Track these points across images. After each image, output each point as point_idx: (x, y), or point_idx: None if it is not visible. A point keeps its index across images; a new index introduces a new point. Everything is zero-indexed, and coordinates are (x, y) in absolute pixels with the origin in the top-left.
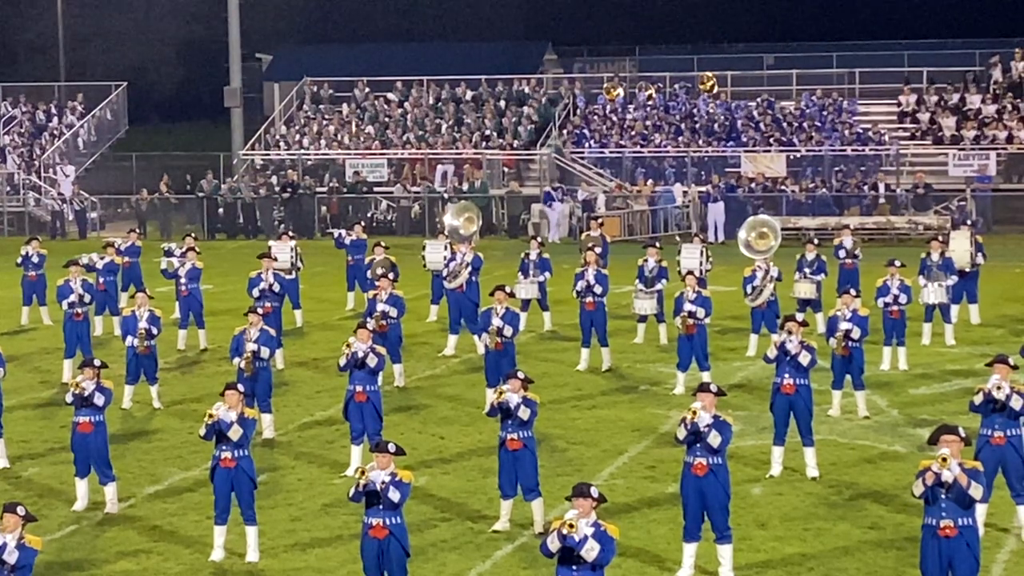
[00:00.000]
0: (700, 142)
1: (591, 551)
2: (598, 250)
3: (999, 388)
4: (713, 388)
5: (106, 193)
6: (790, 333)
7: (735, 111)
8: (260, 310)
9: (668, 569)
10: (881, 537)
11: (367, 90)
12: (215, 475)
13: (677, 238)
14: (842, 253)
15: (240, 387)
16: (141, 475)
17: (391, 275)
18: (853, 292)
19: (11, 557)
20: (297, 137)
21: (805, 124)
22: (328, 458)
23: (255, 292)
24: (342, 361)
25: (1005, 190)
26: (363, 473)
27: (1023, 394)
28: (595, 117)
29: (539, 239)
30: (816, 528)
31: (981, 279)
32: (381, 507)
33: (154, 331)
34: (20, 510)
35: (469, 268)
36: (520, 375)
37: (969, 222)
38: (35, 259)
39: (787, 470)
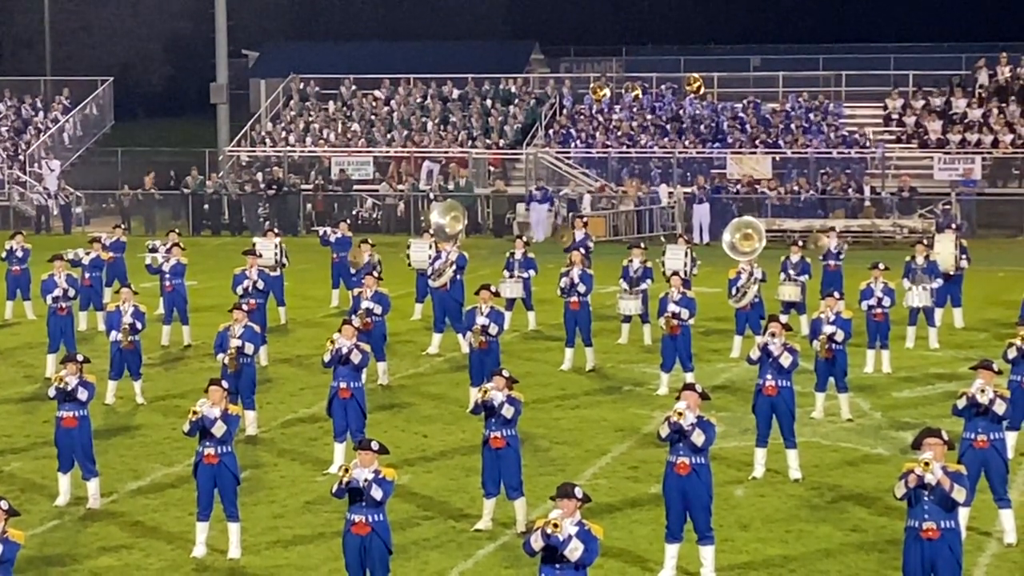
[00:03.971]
0: (686, 143)
1: (575, 551)
2: (583, 249)
3: (982, 392)
4: (698, 388)
5: (91, 188)
6: (773, 335)
7: (721, 112)
8: (245, 306)
9: (650, 570)
10: (863, 539)
11: (353, 88)
12: (198, 471)
13: (662, 239)
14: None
15: (224, 383)
16: (124, 471)
17: (375, 272)
18: (837, 295)
19: None
20: (283, 134)
21: (791, 126)
22: (311, 455)
23: (239, 289)
24: (326, 357)
25: (990, 194)
26: (347, 471)
27: (1006, 398)
28: (581, 117)
29: (524, 238)
30: (798, 530)
31: (965, 283)
32: (364, 504)
33: (138, 326)
34: (3, 504)
35: (454, 267)
36: (505, 373)
37: (954, 226)
38: (19, 254)
39: (770, 472)
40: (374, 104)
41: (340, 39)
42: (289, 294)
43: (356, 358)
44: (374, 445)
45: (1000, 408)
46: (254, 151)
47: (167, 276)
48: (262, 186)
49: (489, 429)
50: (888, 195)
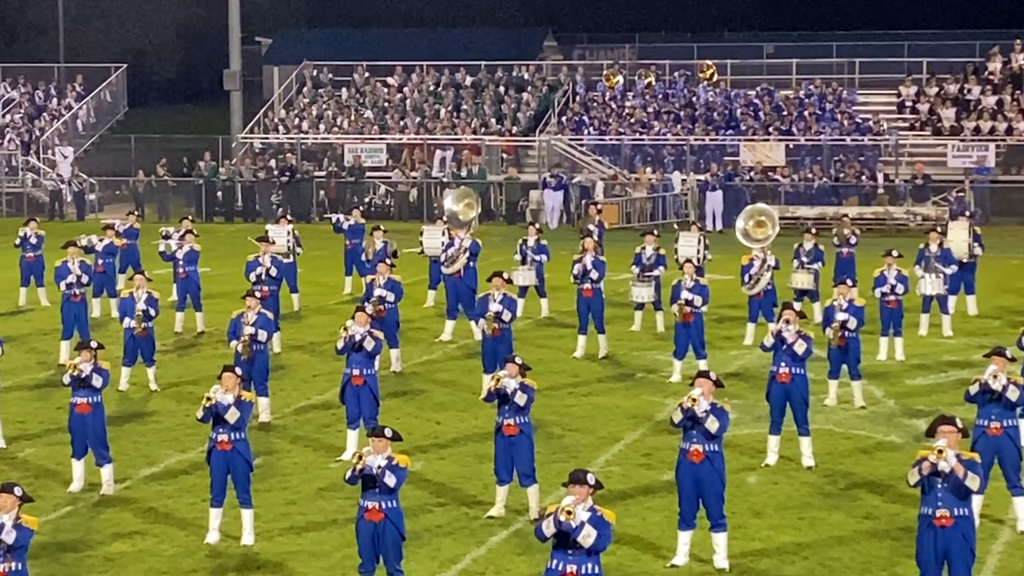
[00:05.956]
0: (699, 130)
1: (588, 537)
2: (596, 235)
3: (995, 379)
4: (712, 376)
5: (105, 175)
6: (787, 322)
7: (734, 99)
8: (258, 293)
9: (663, 556)
10: (876, 527)
11: (367, 75)
12: (211, 457)
13: (675, 226)
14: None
15: (237, 370)
16: (137, 457)
17: (388, 260)
18: (850, 282)
19: (8, 537)
20: (296, 121)
21: (805, 113)
22: (324, 442)
23: (252, 276)
24: (339, 344)
25: (1004, 182)
26: (360, 457)
27: (1019, 385)
28: (594, 104)
29: (537, 225)
30: (811, 517)
31: (979, 270)
32: (377, 491)
33: (152, 313)
34: (17, 490)
35: (467, 254)
36: (518, 360)
37: (967, 213)
38: (33, 240)
39: (783, 459)
40: (387, 91)
41: (353, 26)
42: (302, 281)
43: (369, 345)
44: (387, 432)
45: (1013, 395)
46: (267, 138)
47: (180, 263)
48: (275, 173)
49: (502, 416)
50: (902, 182)
